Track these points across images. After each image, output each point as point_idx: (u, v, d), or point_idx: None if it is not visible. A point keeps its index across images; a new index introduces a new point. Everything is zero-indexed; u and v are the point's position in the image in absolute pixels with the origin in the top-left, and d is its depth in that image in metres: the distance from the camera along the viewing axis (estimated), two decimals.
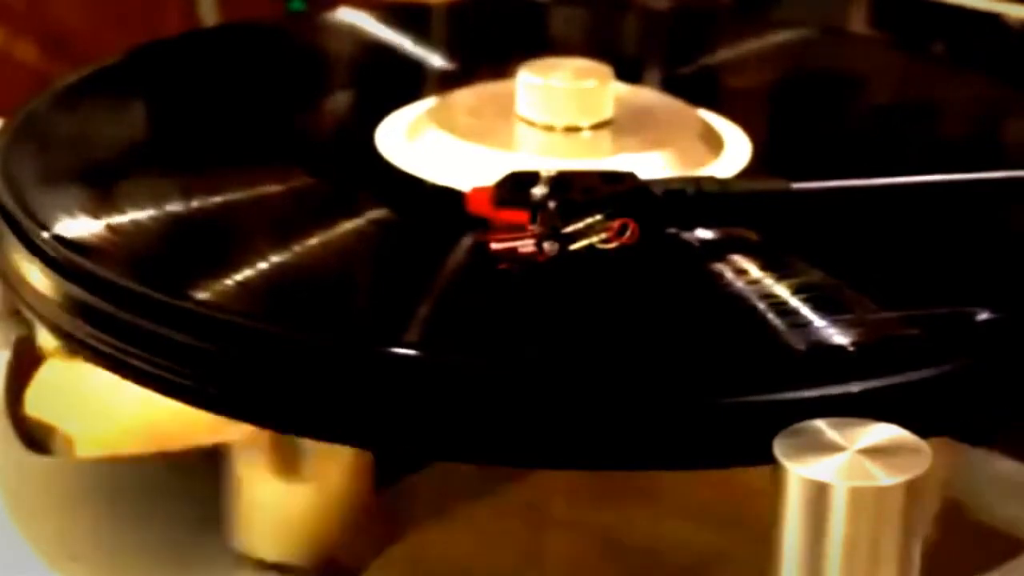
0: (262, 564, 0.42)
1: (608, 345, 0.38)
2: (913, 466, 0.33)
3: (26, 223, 0.43)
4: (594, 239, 0.41)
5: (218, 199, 0.45)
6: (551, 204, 0.41)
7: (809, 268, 0.41)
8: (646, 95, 0.53)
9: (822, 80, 0.57)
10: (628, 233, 0.41)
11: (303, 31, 0.63)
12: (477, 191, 0.43)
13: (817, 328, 0.38)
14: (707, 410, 0.37)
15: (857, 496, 0.32)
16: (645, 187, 0.42)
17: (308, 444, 0.42)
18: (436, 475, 0.43)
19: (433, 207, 0.46)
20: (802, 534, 0.33)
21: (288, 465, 0.42)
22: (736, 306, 0.40)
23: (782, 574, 0.33)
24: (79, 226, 0.43)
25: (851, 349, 0.38)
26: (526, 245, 0.40)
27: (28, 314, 0.44)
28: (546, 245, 0.40)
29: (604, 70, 0.50)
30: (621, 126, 0.49)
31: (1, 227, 0.45)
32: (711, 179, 0.43)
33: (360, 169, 0.48)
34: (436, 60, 0.58)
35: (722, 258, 0.42)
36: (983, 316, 0.39)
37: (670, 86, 0.55)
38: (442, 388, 0.37)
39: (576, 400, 0.37)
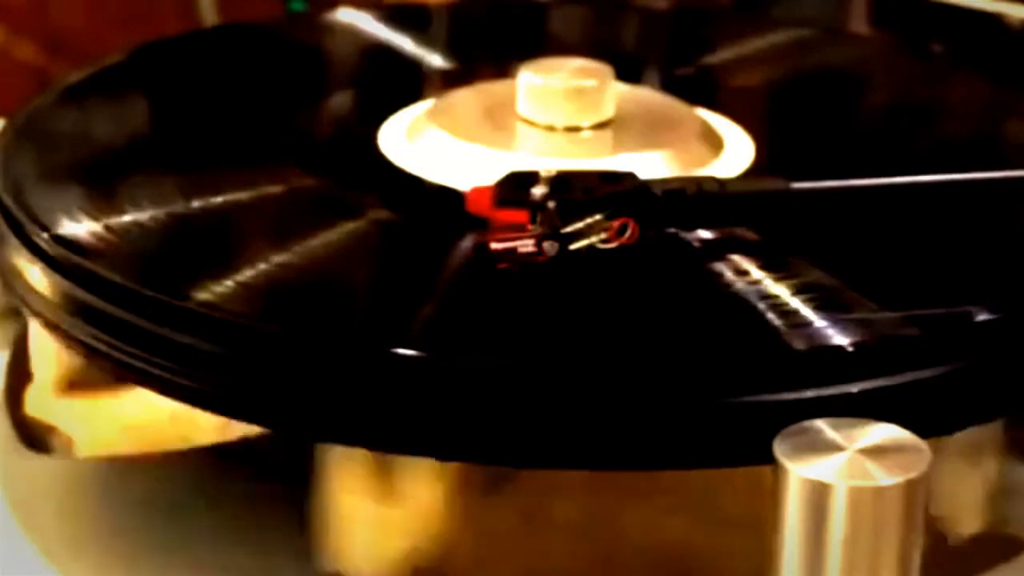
0: None
1: (608, 345, 0.38)
2: (913, 466, 0.33)
3: (26, 223, 0.43)
4: (594, 239, 0.41)
5: (219, 199, 0.45)
6: (551, 204, 0.41)
7: (809, 268, 0.41)
8: (646, 95, 0.53)
9: (822, 80, 0.57)
10: (628, 233, 0.41)
11: (303, 31, 0.63)
12: (477, 191, 0.43)
13: (817, 328, 0.38)
14: (707, 410, 0.37)
15: (857, 496, 0.32)
16: (645, 187, 0.42)
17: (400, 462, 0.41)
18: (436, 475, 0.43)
19: (433, 207, 0.46)
20: (802, 534, 0.33)
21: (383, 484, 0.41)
22: (736, 306, 0.40)
23: (782, 574, 0.33)
24: (79, 226, 0.43)
25: (851, 349, 0.38)
26: (526, 245, 0.40)
27: (28, 314, 0.44)
28: (546, 245, 0.40)
29: (604, 70, 0.50)
30: (621, 126, 0.49)
31: (1, 227, 0.45)
32: (711, 179, 0.43)
33: (360, 169, 0.48)
34: (436, 60, 0.58)
35: (722, 258, 0.42)
36: (983, 316, 0.39)
37: (670, 86, 0.55)
38: (441, 388, 0.37)
39: (576, 400, 0.37)
